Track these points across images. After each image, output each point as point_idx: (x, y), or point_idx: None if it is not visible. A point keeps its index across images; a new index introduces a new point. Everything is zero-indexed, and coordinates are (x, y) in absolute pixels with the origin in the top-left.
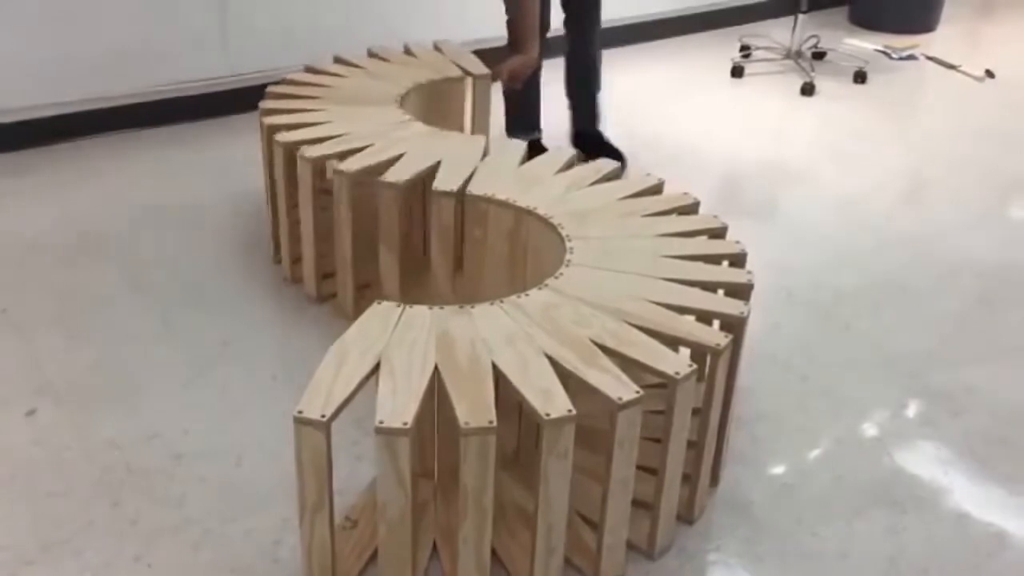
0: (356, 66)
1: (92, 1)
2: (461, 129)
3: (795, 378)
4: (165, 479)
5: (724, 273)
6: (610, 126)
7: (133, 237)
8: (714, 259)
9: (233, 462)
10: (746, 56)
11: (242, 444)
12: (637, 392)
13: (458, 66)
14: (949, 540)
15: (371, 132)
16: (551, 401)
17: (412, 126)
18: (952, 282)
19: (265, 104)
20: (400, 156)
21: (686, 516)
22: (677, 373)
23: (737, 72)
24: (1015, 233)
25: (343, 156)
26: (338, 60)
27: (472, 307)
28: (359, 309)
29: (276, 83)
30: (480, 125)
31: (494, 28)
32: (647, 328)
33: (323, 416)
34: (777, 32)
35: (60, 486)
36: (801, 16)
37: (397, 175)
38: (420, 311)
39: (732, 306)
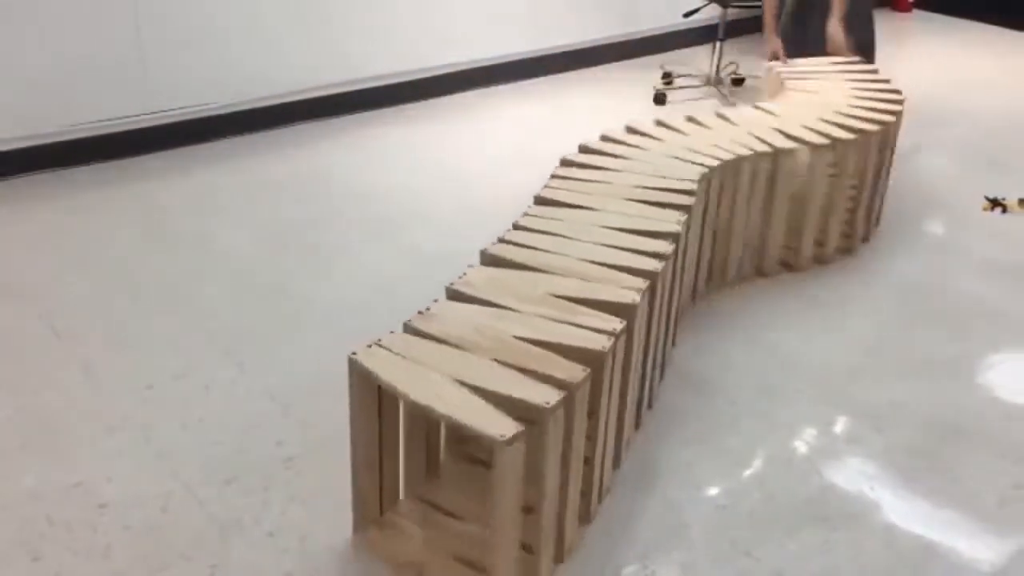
0: (609, 167)
1: (4, 39)
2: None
3: (725, 401)
4: (88, 530)
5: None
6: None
7: (55, 281)
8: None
9: (159, 508)
10: (668, 83)
11: (168, 489)
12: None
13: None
14: (878, 554)
15: None
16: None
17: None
18: (873, 301)
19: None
20: None
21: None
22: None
23: (659, 99)
24: (932, 249)
25: None
26: (585, 150)
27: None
28: None
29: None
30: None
31: (405, 64)
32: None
33: None
34: (698, 59)
35: None
36: (719, 43)
37: None
38: None
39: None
